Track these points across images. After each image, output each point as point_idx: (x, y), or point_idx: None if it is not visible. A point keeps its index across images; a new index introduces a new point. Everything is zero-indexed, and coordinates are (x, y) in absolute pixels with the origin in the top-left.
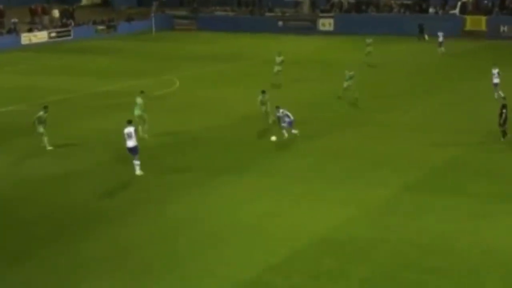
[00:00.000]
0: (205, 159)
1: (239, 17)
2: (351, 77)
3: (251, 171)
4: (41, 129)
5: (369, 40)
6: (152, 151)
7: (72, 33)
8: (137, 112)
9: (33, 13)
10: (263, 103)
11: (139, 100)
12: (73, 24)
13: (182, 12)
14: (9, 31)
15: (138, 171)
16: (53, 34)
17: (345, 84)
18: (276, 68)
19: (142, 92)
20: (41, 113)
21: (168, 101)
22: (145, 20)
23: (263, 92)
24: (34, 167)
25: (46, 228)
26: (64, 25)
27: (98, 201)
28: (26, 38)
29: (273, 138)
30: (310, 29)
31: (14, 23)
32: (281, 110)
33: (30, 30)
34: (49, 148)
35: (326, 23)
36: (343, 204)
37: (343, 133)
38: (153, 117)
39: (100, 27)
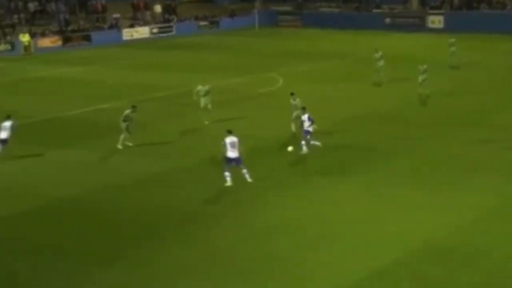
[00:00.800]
0: (303, 161)
1: (345, 14)
2: (424, 71)
3: (349, 175)
4: (123, 126)
5: (452, 40)
6: (249, 151)
7: (174, 29)
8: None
9: (135, 8)
10: (296, 107)
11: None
12: (175, 19)
13: (286, 8)
14: (111, 27)
15: (249, 179)
16: (155, 30)
17: (420, 79)
18: (378, 65)
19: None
20: (128, 111)
21: (270, 100)
22: (248, 16)
23: (292, 94)
24: (128, 166)
25: (138, 229)
26: (166, 20)
27: (191, 203)
28: (128, 33)
29: (290, 148)
30: (419, 26)
31: (116, 19)
32: (306, 115)
33: (131, 26)
34: (119, 147)
35: (435, 20)
36: (445, 211)
37: (445, 135)
38: (255, 115)
39: (203, 23)
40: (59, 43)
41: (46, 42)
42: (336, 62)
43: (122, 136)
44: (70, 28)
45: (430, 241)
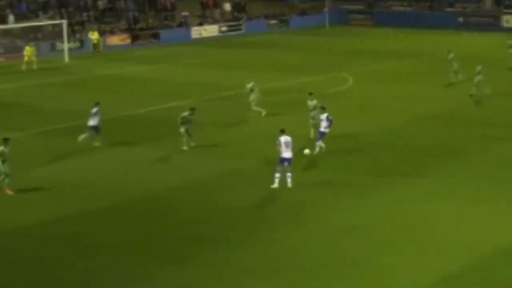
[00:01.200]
0: (374, 161)
1: (417, 13)
2: (479, 72)
3: (421, 175)
4: (182, 129)
5: (510, 42)
6: (327, 151)
7: (243, 27)
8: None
9: (204, 6)
10: (312, 108)
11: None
12: (244, 18)
13: (357, 7)
14: (180, 25)
15: (290, 184)
16: (223, 28)
17: (476, 79)
18: (453, 66)
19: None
20: (186, 113)
21: (340, 100)
22: (318, 15)
23: (311, 94)
24: (193, 167)
25: (206, 230)
26: (236, 19)
27: (258, 204)
28: (197, 32)
29: (306, 151)
30: (493, 25)
31: (185, 17)
32: (325, 114)
33: (200, 24)
34: (185, 148)
35: (510, 20)
36: None
37: None
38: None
39: (272, 21)
40: (128, 41)
41: (114, 40)
42: (407, 61)
43: (184, 138)
44: (138, 26)
45: (505, 245)
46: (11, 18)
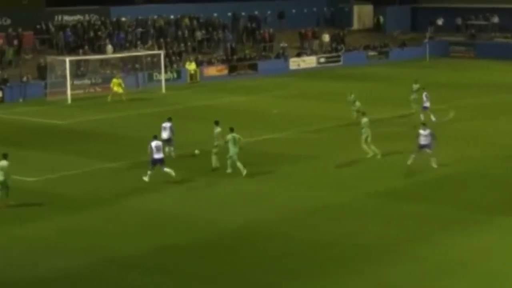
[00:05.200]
0: (477, 195)
1: None
2: (417, 90)
3: None
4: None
5: None
6: (423, 184)
7: (342, 58)
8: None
9: (302, 37)
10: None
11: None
12: (343, 49)
13: (459, 38)
14: (278, 56)
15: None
16: (322, 60)
17: (412, 97)
18: None
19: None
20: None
21: (441, 133)
22: (418, 46)
23: (363, 113)
24: (290, 199)
25: (301, 264)
26: (334, 50)
27: (354, 237)
28: (295, 63)
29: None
30: None
31: (283, 48)
32: (427, 131)
33: (298, 55)
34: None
35: None
36: None
37: None
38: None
39: (372, 53)
40: (225, 71)
41: (212, 70)
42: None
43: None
44: (236, 56)
45: None
46: (109, 48)
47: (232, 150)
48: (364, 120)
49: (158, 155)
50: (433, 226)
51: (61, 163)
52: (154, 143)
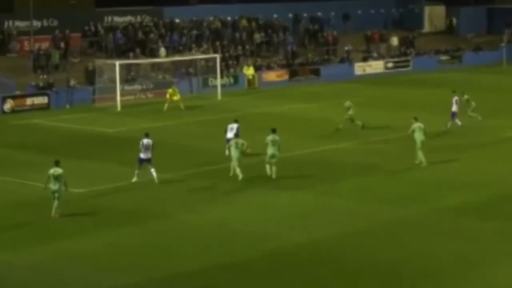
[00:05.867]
0: None
1: None
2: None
3: None
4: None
5: None
6: (499, 199)
7: (411, 63)
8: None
9: (368, 40)
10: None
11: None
12: (413, 53)
13: None
14: (342, 60)
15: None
16: (389, 65)
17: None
18: None
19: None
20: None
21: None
22: (495, 51)
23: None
24: (357, 213)
25: (369, 282)
26: (403, 54)
27: (423, 256)
28: (360, 68)
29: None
30: None
31: (348, 51)
32: None
33: (364, 60)
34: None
35: None
36: None
37: None
38: (499, 162)
39: (443, 57)
40: (285, 77)
41: (271, 75)
42: None
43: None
44: (297, 61)
45: None
46: (162, 51)
47: (235, 154)
48: (415, 125)
49: (144, 155)
50: (506, 245)
51: (109, 174)
52: (145, 141)
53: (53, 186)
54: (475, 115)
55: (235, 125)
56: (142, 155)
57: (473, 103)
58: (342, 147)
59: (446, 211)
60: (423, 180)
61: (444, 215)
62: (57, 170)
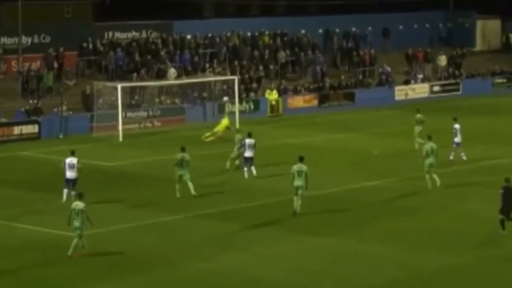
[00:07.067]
0: None
1: None
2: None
3: None
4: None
5: None
6: None
7: (461, 87)
8: None
9: (411, 60)
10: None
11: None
12: (463, 75)
13: None
14: (380, 83)
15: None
16: (436, 88)
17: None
18: None
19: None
20: None
21: None
22: None
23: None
24: (403, 261)
25: None
26: (452, 76)
27: None
28: (401, 92)
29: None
30: None
31: (387, 73)
32: None
33: (406, 82)
34: None
35: None
36: None
37: None
38: None
39: (499, 79)
40: (314, 102)
41: (298, 101)
42: None
43: None
44: (328, 84)
45: None
46: (171, 72)
47: (182, 171)
48: (428, 145)
49: (69, 174)
50: None
51: (110, 215)
52: (68, 160)
53: (76, 222)
54: None
55: (252, 141)
56: (67, 174)
57: None
58: (378, 184)
59: (503, 259)
60: (467, 220)
61: (502, 262)
62: (78, 205)
